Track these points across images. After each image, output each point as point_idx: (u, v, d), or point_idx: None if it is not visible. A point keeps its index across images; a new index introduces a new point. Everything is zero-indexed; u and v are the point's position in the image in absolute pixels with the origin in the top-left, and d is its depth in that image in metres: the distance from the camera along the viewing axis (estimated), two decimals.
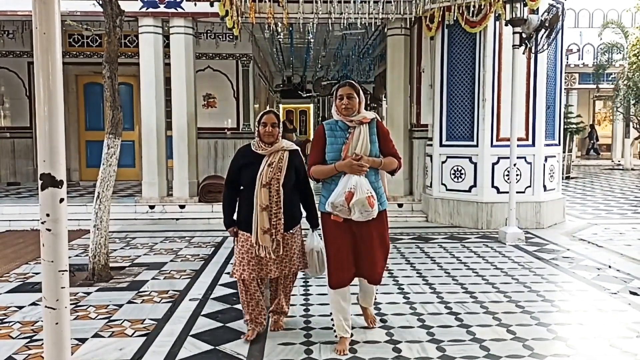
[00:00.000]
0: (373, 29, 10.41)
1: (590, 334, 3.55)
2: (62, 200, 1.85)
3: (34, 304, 4.13)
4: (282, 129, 3.42)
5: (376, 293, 3.73)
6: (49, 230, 1.83)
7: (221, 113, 11.14)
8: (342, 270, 3.26)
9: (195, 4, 7.72)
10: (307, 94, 19.82)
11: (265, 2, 7.57)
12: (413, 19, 7.95)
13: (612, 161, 19.87)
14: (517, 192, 6.68)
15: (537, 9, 6.49)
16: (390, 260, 5.30)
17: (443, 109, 7.50)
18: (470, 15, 6.91)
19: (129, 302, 4.21)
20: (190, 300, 4.25)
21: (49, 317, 1.86)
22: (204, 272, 5.08)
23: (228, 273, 4.90)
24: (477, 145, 7.20)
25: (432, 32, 7.48)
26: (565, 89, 10.71)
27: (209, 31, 10.88)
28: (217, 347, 3.32)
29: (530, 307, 4.05)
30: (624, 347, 3.31)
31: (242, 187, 3.44)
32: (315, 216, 3.46)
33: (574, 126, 14.69)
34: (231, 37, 10.52)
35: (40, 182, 1.83)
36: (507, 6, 6.31)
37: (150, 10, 7.73)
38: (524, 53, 6.51)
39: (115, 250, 5.94)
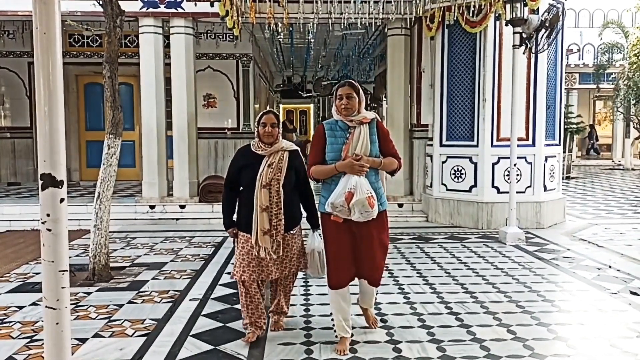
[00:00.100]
0: (373, 29, 10.41)
1: (591, 334, 3.55)
2: (62, 200, 1.85)
3: (34, 304, 4.13)
4: (282, 129, 3.41)
5: (376, 293, 3.72)
6: (50, 230, 1.83)
7: (221, 113, 11.14)
8: (342, 271, 3.26)
9: (195, 4, 7.72)
10: (307, 94, 19.82)
11: (265, 2, 7.57)
12: (413, 19, 7.95)
13: (613, 161, 19.86)
14: (517, 192, 6.68)
15: (538, 8, 6.48)
16: (390, 260, 5.31)
17: (443, 109, 7.50)
18: (471, 15, 6.91)
19: (130, 302, 4.21)
20: (190, 300, 4.26)
21: (49, 317, 1.86)
22: (205, 272, 5.08)
23: (228, 273, 4.90)
24: (477, 145, 7.20)
25: (433, 32, 7.48)
26: (565, 89, 10.69)
27: (209, 31, 10.88)
28: (217, 347, 3.32)
29: (531, 307, 4.05)
30: (624, 347, 3.31)
31: (241, 188, 3.44)
32: (316, 217, 3.45)
33: (574, 126, 14.68)
34: (231, 37, 10.52)
35: (40, 182, 1.83)
36: (508, 6, 6.31)
37: (151, 10, 7.73)
38: (524, 53, 6.51)
39: (115, 250, 5.94)
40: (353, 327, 3.47)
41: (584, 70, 18.86)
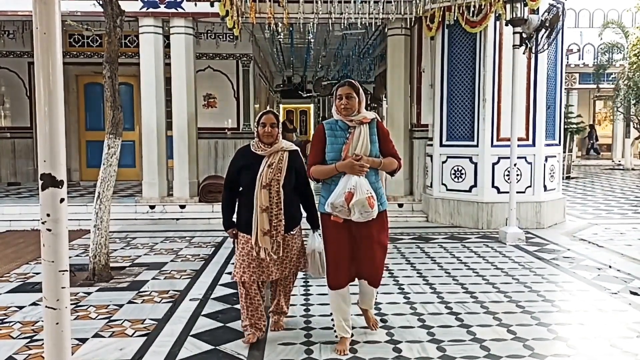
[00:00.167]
0: (373, 29, 10.41)
1: (591, 334, 3.55)
2: (62, 200, 1.85)
3: (34, 304, 4.14)
4: (282, 129, 3.41)
5: (376, 294, 3.72)
6: (50, 230, 1.83)
7: (221, 113, 11.14)
8: (341, 271, 3.26)
9: (195, 4, 7.72)
10: (308, 94, 19.82)
11: (265, 2, 7.57)
12: (413, 19, 7.95)
13: (613, 161, 19.86)
14: (517, 192, 6.69)
15: (538, 8, 6.48)
16: (390, 260, 5.31)
17: (443, 109, 7.49)
18: (471, 15, 6.91)
19: (130, 302, 4.21)
20: (190, 300, 4.26)
21: (49, 317, 1.86)
22: (205, 272, 5.08)
23: (228, 273, 4.90)
24: (477, 145, 7.20)
25: (433, 32, 7.48)
26: (565, 89, 10.70)
27: (209, 31, 10.88)
28: (217, 347, 3.32)
29: (531, 307, 4.05)
30: (624, 347, 3.31)
31: (241, 189, 3.44)
32: (316, 217, 3.44)
33: (574, 126, 14.69)
34: (231, 37, 10.52)
35: (40, 182, 1.83)
36: (508, 6, 6.31)
37: (151, 10, 7.74)
38: (524, 53, 6.51)
39: (115, 250, 5.94)
40: (353, 327, 3.47)
41: (584, 70, 18.86)
